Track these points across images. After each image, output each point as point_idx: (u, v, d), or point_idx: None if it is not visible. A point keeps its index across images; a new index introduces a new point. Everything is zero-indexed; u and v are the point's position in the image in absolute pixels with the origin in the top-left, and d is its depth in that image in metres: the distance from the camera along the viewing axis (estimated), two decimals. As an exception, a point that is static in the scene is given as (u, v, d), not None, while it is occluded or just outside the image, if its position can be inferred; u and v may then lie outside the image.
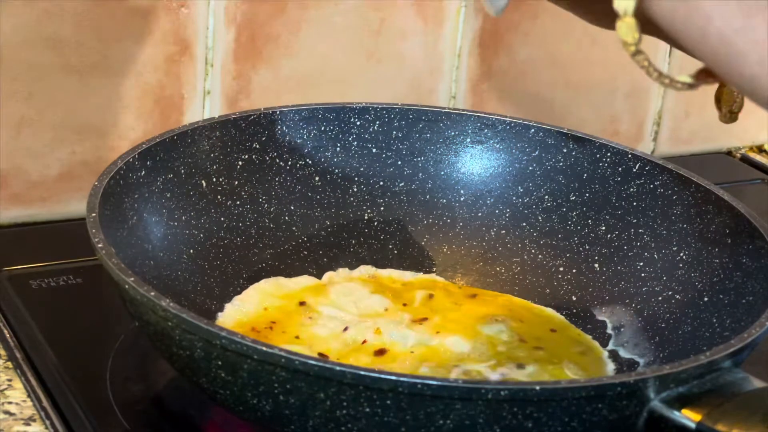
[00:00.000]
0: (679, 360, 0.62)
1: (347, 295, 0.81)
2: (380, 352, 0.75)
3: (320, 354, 0.74)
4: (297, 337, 0.76)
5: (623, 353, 0.78)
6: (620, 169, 0.84)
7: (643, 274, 0.81)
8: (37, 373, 0.74)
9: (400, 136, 0.87)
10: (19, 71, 0.87)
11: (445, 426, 0.59)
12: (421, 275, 0.86)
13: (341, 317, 0.78)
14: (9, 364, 0.75)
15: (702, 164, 1.12)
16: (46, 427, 0.69)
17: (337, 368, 0.58)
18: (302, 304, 0.80)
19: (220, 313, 0.78)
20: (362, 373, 0.58)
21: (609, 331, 0.81)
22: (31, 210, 0.91)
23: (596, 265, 0.84)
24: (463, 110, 0.88)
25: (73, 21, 0.88)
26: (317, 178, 0.86)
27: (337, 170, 0.86)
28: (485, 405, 0.59)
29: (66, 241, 0.87)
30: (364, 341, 0.76)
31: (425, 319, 0.79)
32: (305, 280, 0.83)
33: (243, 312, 0.78)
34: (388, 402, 0.59)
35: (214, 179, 0.82)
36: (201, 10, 0.91)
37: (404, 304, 0.81)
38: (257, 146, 0.84)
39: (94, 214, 0.69)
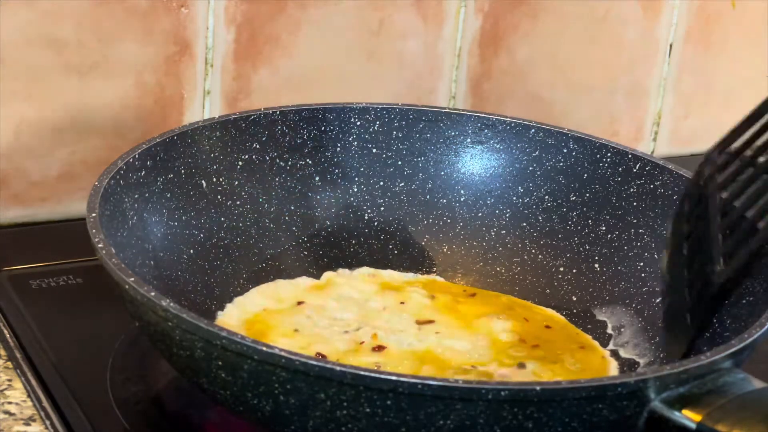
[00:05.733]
0: (679, 360, 0.62)
1: (347, 296, 0.81)
2: (379, 348, 0.75)
3: (319, 354, 0.74)
4: (296, 330, 0.76)
5: (623, 353, 0.78)
6: (620, 169, 0.84)
7: (643, 274, 0.81)
8: (37, 373, 0.74)
9: (400, 136, 0.87)
10: (19, 71, 0.87)
11: (445, 426, 0.59)
12: (421, 275, 0.86)
13: (341, 317, 0.78)
14: (9, 364, 0.75)
15: (702, 164, 1.12)
16: (46, 427, 0.69)
17: (338, 368, 0.58)
18: (300, 303, 0.80)
19: (220, 312, 0.78)
20: (362, 373, 0.58)
21: (609, 331, 0.81)
22: (31, 210, 0.91)
23: (596, 266, 0.84)
24: (463, 110, 0.88)
25: (73, 21, 0.88)
26: (317, 178, 0.86)
27: (337, 170, 0.86)
28: (485, 405, 0.59)
29: (66, 241, 0.87)
30: (362, 342, 0.76)
31: (431, 321, 0.79)
32: (304, 281, 0.83)
33: (243, 311, 0.78)
34: (389, 402, 0.59)
35: (214, 179, 0.82)
36: (201, 10, 0.91)
37: (402, 302, 0.81)
38: (257, 146, 0.84)
39: (94, 214, 0.69)
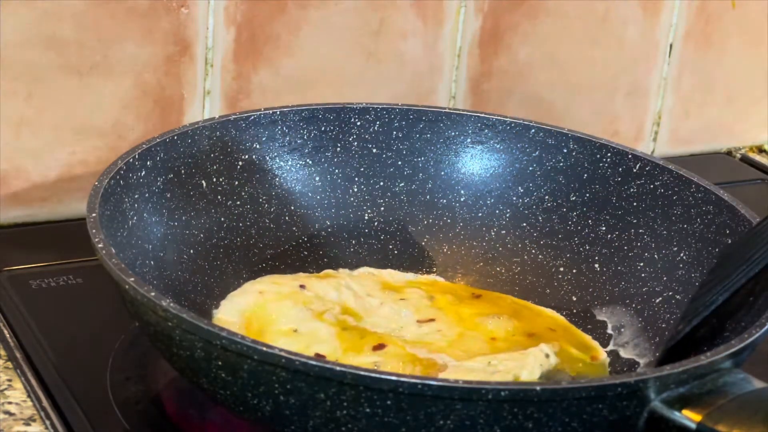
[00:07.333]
0: (679, 360, 0.62)
1: (346, 286, 0.81)
2: (379, 347, 0.75)
3: (318, 354, 0.74)
4: (295, 331, 0.76)
5: (623, 353, 0.78)
6: (620, 169, 0.84)
7: (643, 275, 0.81)
8: (37, 373, 0.74)
9: (401, 136, 0.87)
10: (19, 71, 0.87)
11: (445, 426, 0.59)
12: (421, 275, 0.86)
13: (340, 315, 0.78)
14: (9, 364, 0.75)
15: (702, 164, 1.12)
16: (46, 427, 0.69)
17: (338, 368, 0.58)
18: (302, 287, 0.80)
19: (215, 310, 0.78)
20: (362, 373, 0.58)
21: (609, 331, 0.81)
22: (31, 210, 0.91)
23: (596, 266, 0.84)
24: (463, 110, 0.88)
25: (73, 21, 0.88)
26: (317, 178, 0.86)
27: (337, 170, 0.86)
28: (485, 405, 0.59)
29: (66, 241, 0.87)
30: (363, 338, 0.76)
31: (432, 320, 0.79)
32: (303, 274, 0.83)
33: (240, 303, 0.78)
34: (389, 402, 0.59)
35: (214, 179, 0.82)
36: (201, 10, 0.91)
37: (402, 299, 0.81)
38: (257, 146, 0.84)
39: (94, 214, 0.69)
